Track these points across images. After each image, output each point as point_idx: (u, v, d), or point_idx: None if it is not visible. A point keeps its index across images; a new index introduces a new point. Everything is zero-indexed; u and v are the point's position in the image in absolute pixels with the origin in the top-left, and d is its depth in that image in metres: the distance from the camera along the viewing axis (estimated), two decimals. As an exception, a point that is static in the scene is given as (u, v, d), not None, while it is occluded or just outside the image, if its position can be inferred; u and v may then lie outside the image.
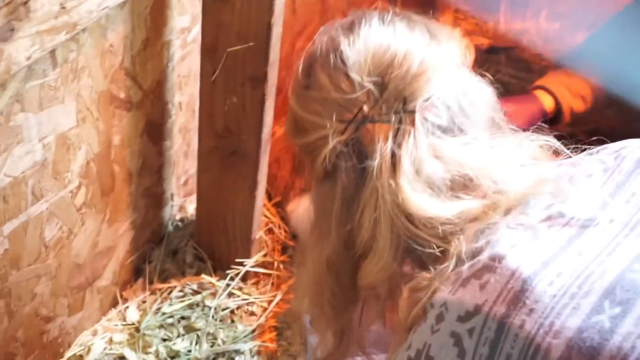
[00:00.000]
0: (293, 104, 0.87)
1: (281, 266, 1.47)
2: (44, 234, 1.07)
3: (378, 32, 0.83)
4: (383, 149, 0.79)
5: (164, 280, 1.42)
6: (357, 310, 0.94)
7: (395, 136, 0.80)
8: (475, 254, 0.75)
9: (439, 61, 0.83)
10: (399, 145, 0.79)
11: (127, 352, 1.30)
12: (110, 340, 1.31)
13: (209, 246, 1.43)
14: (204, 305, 1.39)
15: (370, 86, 0.80)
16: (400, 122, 0.80)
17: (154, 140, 1.27)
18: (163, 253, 1.44)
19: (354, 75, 0.81)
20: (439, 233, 0.78)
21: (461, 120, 0.82)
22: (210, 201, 1.36)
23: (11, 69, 0.80)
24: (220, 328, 1.37)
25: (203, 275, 1.41)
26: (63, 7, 0.83)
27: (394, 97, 0.80)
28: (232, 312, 1.41)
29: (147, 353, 1.32)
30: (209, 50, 1.16)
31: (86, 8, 0.87)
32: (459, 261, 0.76)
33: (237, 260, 1.41)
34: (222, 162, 1.29)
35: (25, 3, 0.77)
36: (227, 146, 1.26)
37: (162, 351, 1.32)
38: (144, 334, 1.33)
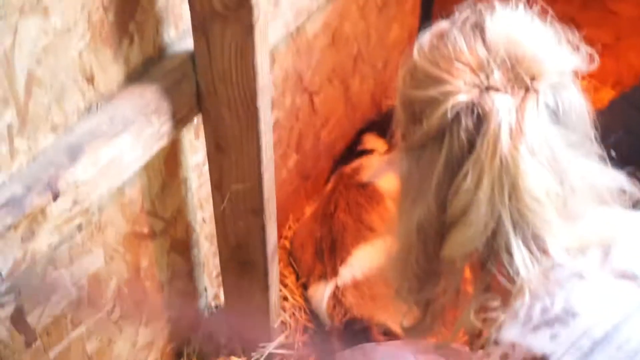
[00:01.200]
0: (420, 59, 0.86)
1: (301, 345, 1.65)
2: (85, 348, 1.28)
3: (519, 16, 0.86)
4: (504, 118, 0.79)
5: (201, 360, 1.62)
6: (440, 286, 0.91)
7: (519, 106, 0.80)
8: (549, 294, 0.79)
9: (562, 57, 0.85)
10: (522, 115, 0.79)
11: None
12: (155, 418, 1.52)
13: (238, 331, 1.61)
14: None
15: (505, 58, 0.81)
16: (522, 99, 0.81)
17: (181, 253, 1.47)
18: (200, 337, 1.63)
19: (492, 45, 0.82)
20: (537, 224, 0.80)
21: (571, 117, 0.84)
22: (234, 298, 1.55)
23: (35, 257, 1.01)
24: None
25: (232, 357, 1.60)
26: (75, 203, 1.03)
27: (523, 74, 0.81)
28: None
29: None
30: (217, 187, 1.35)
31: (97, 194, 1.07)
32: (532, 298, 0.79)
33: (260, 344, 1.59)
34: (239, 268, 1.47)
35: (43, 211, 0.98)
36: (240, 257, 1.44)
37: None
38: (182, 411, 1.54)
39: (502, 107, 0.79)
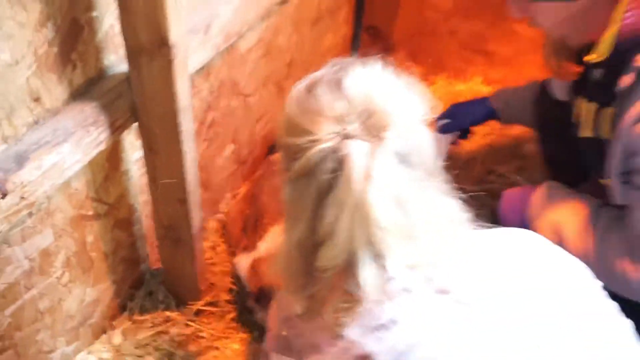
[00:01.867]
0: (293, 110, 0.91)
1: (225, 302, 1.77)
2: (38, 307, 1.43)
3: (376, 73, 0.91)
4: (360, 160, 0.84)
5: (141, 313, 1.73)
6: (317, 287, 0.94)
7: (371, 153, 0.85)
8: (381, 303, 0.88)
9: (412, 108, 0.90)
10: (373, 161, 0.85)
11: None
12: (100, 358, 1.66)
13: (173, 291, 1.77)
14: (169, 333, 1.72)
15: (360, 111, 0.86)
16: (376, 144, 0.85)
17: (124, 229, 1.61)
18: (142, 294, 1.77)
19: (350, 100, 0.87)
20: (382, 247, 0.86)
21: (417, 158, 0.89)
22: (168, 264, 1.70)
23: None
24: (178, 349, 1.69)
25: (167, 312, 1.74)
26: (22, 199, 1.16)
27: (375, 124, 0.86)
28: (187, 337, 1.72)
29: None
30: (151, 180, 1.48)
31: (41, 191, 1.20)
32: (371, 305, 0.87)
33: (189, 302, 1.74)
34: (171, 243, 1.61)
35: (-7, 204, 1.11)
36: (171, 235, 1.59)
37: None
38: (123, 354, 1.67)
39: (356, 153, 0.84)
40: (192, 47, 1.39)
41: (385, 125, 0.86)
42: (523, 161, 2.13)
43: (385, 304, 0.88)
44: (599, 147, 1.21)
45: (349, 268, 0.88)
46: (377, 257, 0.88)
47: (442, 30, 2.32)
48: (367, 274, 0.87)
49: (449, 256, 0.91)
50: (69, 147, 1.20)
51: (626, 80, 1.10)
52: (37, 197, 1.19)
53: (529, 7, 1.19)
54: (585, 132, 1.26)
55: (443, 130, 1.78)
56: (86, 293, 1.57)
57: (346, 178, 0.84)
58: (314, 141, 0.86)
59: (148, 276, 1.79)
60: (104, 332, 1.71)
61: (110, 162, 1.44)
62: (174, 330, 1.72)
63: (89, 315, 1.63)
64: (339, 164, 0.85)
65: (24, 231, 1.28)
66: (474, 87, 2.37)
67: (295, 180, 0.90)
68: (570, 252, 1.00)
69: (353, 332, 0.89)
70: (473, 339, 0.87)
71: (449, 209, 0.94)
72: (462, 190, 0.97)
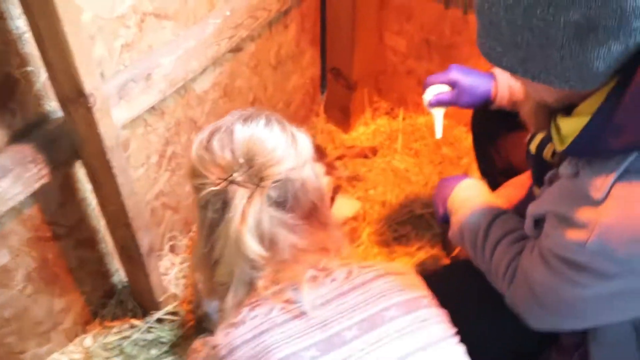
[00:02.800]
0: (193, 154, 0.95)
1: (185, 312, 1.77)
2: (2, 314, 1.45)
3: (261, 128, 0.92)
4: (239, 204, 0.88)
5: (112, 320, 1.75)
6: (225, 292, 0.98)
7: (249, 199, 0.88)
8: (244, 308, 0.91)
9: (292, 158, 0.91)
10: (249, 205, 0.88)
11: None
12: (70, 358, 1.68)
13: (139, 300, 1.77)
14: (132, 337, 1.72)
15: (243, 162, 0.89)
16: (254, 191, 0.88)
17: (89, 247, 1.62)
18: (114, 303, 1.78)
19: (236, 152, 0.89)
20: (252, 273, 0.92)
21: (292, 202, 0.92)
22: (131, 278, 1.70)
23: None
24: (141, 352, 1.71)
25: (132, 320, 1.75)
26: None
27: (255, 174, 0.89)
28: (149, 342, 1.72)
29: None
30: (102, 206, 1.49)
31: None
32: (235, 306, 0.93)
33: (151, 311, 1.74)
34: (128, 260, 1.61)
35: None
36: (126, 253, 1.59)
37: None
38: (92, 356, 1.70)
39: (238, 197, 0.88)
40: (134, 93, 1.40)
41: (264, 175, 0.89)
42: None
43: (243, 309, 0.92)
44: (539, 162, 1.10)
45: (232, 285, 0.94)
46: (249, 280, 0.94)
47: (400, 69, 2.26)
48: (233, 289, 0.94)
49: (305, 279, 0.93)
50: (8, 182, 1.22)
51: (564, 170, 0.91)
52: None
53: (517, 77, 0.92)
54: (533, 146, 1.12)
55: (437, 104, 1.39)
56: (54, 302, 1.59)
57: (228, 218, 0.89)
58: (205, 184, 0.91)
59: (120, 287, 1.80)
60: (77, 335, 1.72)
61: (63, 191, 1.46)
62: (137, 336, 1.72)
63: (60, 322, 1.65)
64: (224, 205, 0.89)
65: (-25, 253, 1.31)
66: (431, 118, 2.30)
67: (198, 210, 0.95)
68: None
69: (220, 327, 0.92)
70: (299, 341, 0.88)
71: (315, 246, 0.96)
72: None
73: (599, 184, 0.81)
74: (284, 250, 0.93)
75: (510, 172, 1.43)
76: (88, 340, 1.72)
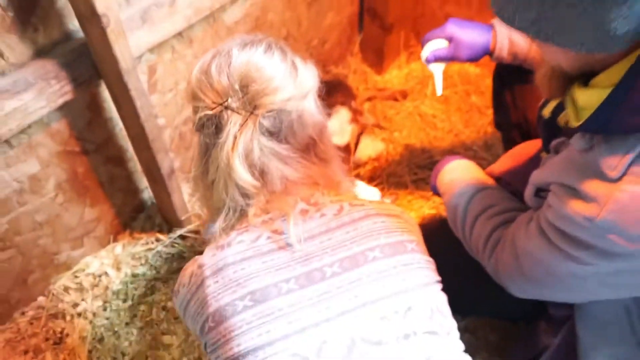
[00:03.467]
0: (193, 77, 0.88)
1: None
2: (35, 218, 1.45)
3: (259, 55, 0.84)
4: (231, 130, 0.82)
5: (140, 232, 1.74)
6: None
7: (241, 125, 0.82)
8: (230, 230, 0.86)
9: (290, 88, 0.84)
10: (241, 132, 0.82)
11: (109, 269, 1.68)
12: (102, 263, 1.69)
13: (165, 217, 1.74)
14: (157, 249, 1.70)
15: (238, 88, 0.82)
16: (247, 118, 0.82)
17: (118, 164, 1.58)
18: (143, 217, 1.77)
19: (232, 78, 0.82)
20: (242, 199, 0.86)
21: (287, 133, 0.85)
22: (157, 197, 1.66)
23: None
24: (164, 264, 1.69)
25: (157, 234, 1.73)
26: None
27: (249, 101, 0.82)
28: (172, 255, 1.72)
29: (119, 270, 1.67)
30: (127, 130, 1.43)
31: (6, 129, 1.18)
32: (225, 230, 0.87)
33: (175, 228, 1.71)
34: (152, 181, 1.57)
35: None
36: (151, 175, 1.54)
37: (129, 272, 1.68)
38: (120, 261, 1.69)
39: (230, 123, 0.82)
40: (158, 17, 1.30)
41: (258, 103, 0.82)
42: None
43: (232, 233, 0.86)
44: (551, 127, 0.98)
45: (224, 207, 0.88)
46: (240, 204, 0.87)
47: (438, 14, 2.06)
48: (224, 214, 0.88)
49: (294, 212, 0.86)
50: (30, 95, 1.17)
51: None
52: (4, 133, 1.17)
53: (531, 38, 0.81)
54: (546, 110, 1.02)
55: (435, 60, 1.26)
56: (85, 212, 1.58)
57: (220, 143, 0.83)
58: (201, 107, 0.85)
59: (149, 203, 1.78)
60: (109, 243, 1.72)
61: (91, 110, 1.40)
62: (161, 248, 1.71)
63: (91, 230, 1.64)
64: (217, 130, 0.84)
65: (7, 158, 1.28)
66: (464, 66, 2.14)
67: (197, 132, 0.90)
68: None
69: (209, 247, 0.87)
70: (280, 273, 0.82)
71: (308, 180, 0.89)
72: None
73: (615, 163, 0.71)
74: (275, 181, 0.87)
75: (524, 127, 1.32)
76: (118, 248, 1.72)
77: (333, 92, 1.86)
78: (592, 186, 0.73)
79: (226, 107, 0.82)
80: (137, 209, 1.75)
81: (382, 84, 2.16)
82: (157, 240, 1.73)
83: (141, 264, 1.69)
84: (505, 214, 1.00)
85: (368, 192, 1.60)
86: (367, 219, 0.85)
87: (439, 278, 0.86)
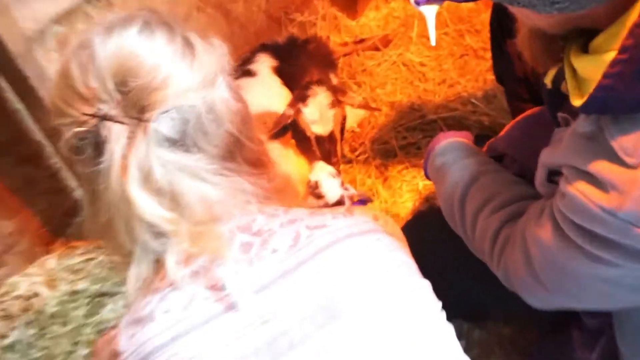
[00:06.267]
0: (52, 89, 0.75)
1: None
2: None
3: (132, 38, 0.71)
4: (115, 148, 0.69)
5: (77, 240, 1.65)
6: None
7: (128, 139, 0.69)
8: (146, 297, 0.73)
9: (186, 76, 0.72)
10: (130, 148, 0.69)
11: (41, 289, 1.58)
12: (32, 282, 1.58)
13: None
14: (98, 259, 1.61)
15: (112, 88, 0.69)
16: (135, 128, 0.69)
17: (35, 164, 1.48)
18: (79, 223, 1.65)
19: (101, 75, 0.70)
20: (155, 242, 0.72)
21: (196, 137, 0.73)
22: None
23: None
24: (110, 274, 1.60)
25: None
26: None
27: (132, 104, 0.70)
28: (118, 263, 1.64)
29: (54, 289, 1.58)
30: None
31: None
32: (140, 296, 0.74)
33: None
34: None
35: None
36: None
37: (67, 289, 1.59)
38: (55, 277, 1.60)
39: (114, 139, 0.69)
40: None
41: (145, 104, 0.69)
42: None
43: (148, 297, 0.72)
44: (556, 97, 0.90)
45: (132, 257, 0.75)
46: (154, 249, 0.73)
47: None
48: (135, 268, 0.74)
49: (232, 251, 0.73)
50: None
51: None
52: None
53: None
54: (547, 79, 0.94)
55: (427, 1, 1.23)
56: (2, 225, 1.48)
57: (104, 170, 0.69)
58: (69, 124, 0.71)
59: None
60: (38, 257, 1.63)
61: (-13, 104, 1.29)
62: (105, 257, 1.62)
63: (13, 244, 1.56)
64: (97, 152, 0.69)
65: None
66: (455, 2, 2.01)
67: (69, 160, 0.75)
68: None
69: (124, 320, 0.73)
70: (232, 350, 0.69)
71: (241, 198, 0.76)
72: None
73: (631, 146, 0.65)
74: (195, 207, 0.73)
75: (532, 81, 1.26)
76: (51, 262, 1.64)
77: (305, 66, 1.74)
78: (609, 171, 0.67)
79: (102, 118, 0.69)
80: (69, 213, 1.66)
81: (357, 31, 2.06)
82: (99, 247, 1.64)
83: (81, 278, 1.62)
84: (512, 205, 0.93)
85: (329, 182, 1.52)
86: (336, 245, 0.74)
87: (439, 304, 0.76)
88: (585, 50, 0.69)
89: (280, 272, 0.71)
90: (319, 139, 1.63)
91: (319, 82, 1.66)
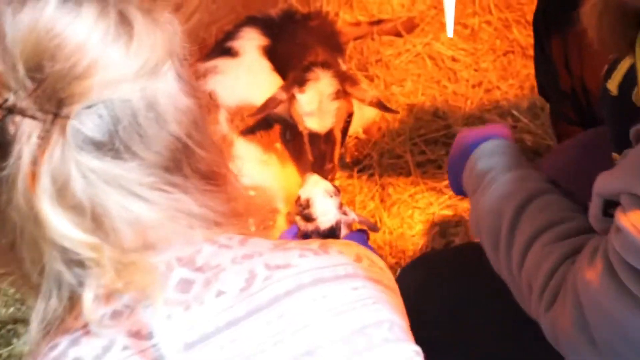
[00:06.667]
0: None
1: None
2: None
3: (53, 12, 0.66)
4: (24, 150, 0.64)
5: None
6: None
7: (41, 139, 0.64)
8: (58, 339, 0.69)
9: (119, 63, 0.67)
10: (43, 152, 0.64)
11: None
12: None
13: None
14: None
15: (23, 73, 0.64)
16: (50, 125, 0.64)
17: None
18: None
19: (9, 57, 0.65)
20: (69, 273, 0.68)
21: (129, 141, 0.68)
22: None
23: None
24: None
25: None
26: None
27: (48, 95, 0.65)
28: None
29: None
30: None
31: None
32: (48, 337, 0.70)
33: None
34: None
35: None
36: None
37: None
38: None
39: (23, 138, 0.65)
40: None
41: (65, 96, 0.65)
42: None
43: (57, 338, 0.69)
44: (622, 108, 0.90)
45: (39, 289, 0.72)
46: (68, 281, 0.68)
47: None
48: (41, 303, 0.70)
49: (166, 289, 0.70)
50: None
51: None
52: None
53: None
54: (612, 84, 0.92)
55: None
56: None
57: (8, 177, 0.65)
58: None
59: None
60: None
61: None
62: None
63: None
64: (4, 152, 0.65)
65: None
66: None
67: None
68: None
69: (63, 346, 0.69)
70: None
71: (184, 222, 0.72)
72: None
73: None
74: (123, 230, 0.69)
75: (582, 99, 1.21)
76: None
77: (306, 44, 1.55)
78: None
79: (8, 111, 0.65)
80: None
81: (375, 9, 1.90)
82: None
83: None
84: (581, 236, 0.89)
85: (324, 202, 1.31)
86: (299, 293, 0.71)
87: None
88: None
89: (224, 321, 0.69)
90: (313, 136, 1.46)
91: (324, 65, 1.45)
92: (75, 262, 0.67)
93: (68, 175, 0.64)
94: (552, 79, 1.27)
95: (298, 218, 1.38)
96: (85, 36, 0.65)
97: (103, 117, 0.66)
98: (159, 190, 0.70)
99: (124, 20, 0.68)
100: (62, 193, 0.64)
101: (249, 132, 1.47)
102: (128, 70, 0.66)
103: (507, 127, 1.10)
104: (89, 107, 0.65)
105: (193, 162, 0.73)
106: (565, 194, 0.98)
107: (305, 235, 1.40)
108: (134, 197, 0.68)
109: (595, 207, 0.81)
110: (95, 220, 0.66)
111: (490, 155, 1.02)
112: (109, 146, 0.66)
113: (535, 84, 1.61)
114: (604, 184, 0.79)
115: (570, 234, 0.90)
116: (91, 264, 0.68)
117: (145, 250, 0.71)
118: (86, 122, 0.65)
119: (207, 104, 0.77)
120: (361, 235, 1.38)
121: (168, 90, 0.70)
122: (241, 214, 0.79)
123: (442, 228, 1.51)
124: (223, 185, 0.77)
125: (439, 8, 1.81)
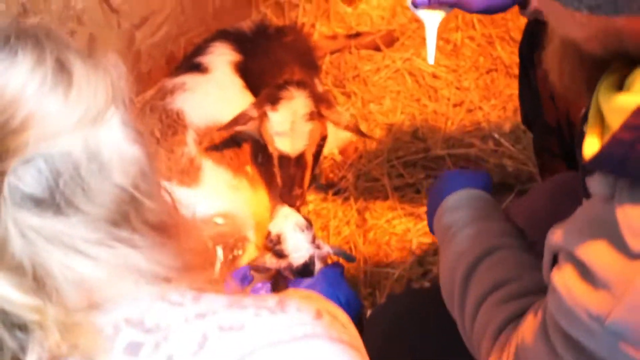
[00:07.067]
0: None
1: None
2: None
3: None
4: None
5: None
6: None
7: None
8: None
9: (57, 114, 0.66)
10: None
11: None
12: None
13: None
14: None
15: None
16: None
17: None
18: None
19: None
20: (9, 337, 0.66)
21: (71, 195, 0.67)
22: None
23: None
24: None
25: None
26: None
27: None
28: None
29: None
30: None
31: None
32: None
33: None
34: None
35: None
36: None
37: None
38: None
39: None
40: None
41: (2, 150, 0.64)
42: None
43: None
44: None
45: None
46: (9, 346, 0.67)
47: None
48: None
49: (115, 351, 0.68)
50: None
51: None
52: None
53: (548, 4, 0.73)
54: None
55: (430, 3, 1.13)
56: None
57: None
58: None
59: None
60: None
61: None
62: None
63: None
64: None
65: None
66: None
67: None
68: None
69: None
70: None
71: (132, 279, 0.70)
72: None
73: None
74: (66, 290, 0.67)
75: (565, 133, 1.21)
76: None
77: (281, 61, 1.52)
78: (605, 261, 0.67)
79: None
80: None
81: (353, 21, 1.86)
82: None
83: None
84: (529, 296, 0.89)
85: (296, 237, 1.28)
86: (251, 357, 0.69)
87: None
88: (621, 86, 0.69)
89: None
90: (283, 158, 1.41)
91: (300, 84, 1.41)
92: (17, 326, 0.66)
93: (6, 235, 0.64)
94: (537, 111, 1.26)
95: (269, 256, 1.33)
96: (20, 87, 0.64)
97: (42, 171, 0.65)
98: (105, 246, 0.68)
99: (62, 68, 0.66)
100: (0, 254, 0.64)
101: (215, 149, 1.42)
102: (67, 121, 0.65)
103: (488, 175, 1.09)
104: (26, 162, 0.64)
105: (141, 214, 0.71)
106: (529, 245, 0.98)
107: (278, 272, 1.36)
108: (77, 254, 0.67)
109: (545, 259, 0.80)
110: (37, 280, 0.65)
111: (455, 209, 1.02)
112: (50, 202, 0.65)
113: (518, 105, 1.58)
114: (552, 237, 0.78)
115: (518, 295, 0.90)
116: (34, 326, 0.67)
117: (91, 310, 0.69)
118: (24, 177, 0.64)
119: (153, 152, 0.77)
120: (335, 270, 1.35)
121: (112, 139, 0.68)
122: (195, 267, 0.76)
123: (419, 256, 1.48)
124: (175, 236, 0.75)
125: (420, 22, 1.78)
